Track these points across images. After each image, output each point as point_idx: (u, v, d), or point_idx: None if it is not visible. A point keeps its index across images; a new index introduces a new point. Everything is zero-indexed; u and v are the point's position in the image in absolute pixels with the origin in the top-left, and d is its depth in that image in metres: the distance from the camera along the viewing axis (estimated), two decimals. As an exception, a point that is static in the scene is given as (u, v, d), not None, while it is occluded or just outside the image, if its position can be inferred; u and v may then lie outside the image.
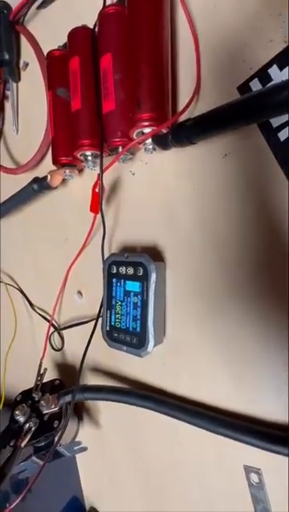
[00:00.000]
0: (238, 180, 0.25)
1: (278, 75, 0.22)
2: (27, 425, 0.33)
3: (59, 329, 0.43)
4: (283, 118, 0.22)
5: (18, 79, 0.47)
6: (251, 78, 0.23)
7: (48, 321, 0.43)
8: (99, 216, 0.32)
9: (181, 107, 0.27)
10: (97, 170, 0.31)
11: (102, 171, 0.30)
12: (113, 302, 0.31)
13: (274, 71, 0.22)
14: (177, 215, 0.29)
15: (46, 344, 0.42)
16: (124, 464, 0.36)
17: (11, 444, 0.32)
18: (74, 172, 0.37)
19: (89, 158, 0.32)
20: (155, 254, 0.30)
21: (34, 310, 0.46)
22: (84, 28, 0.31)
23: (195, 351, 0.28)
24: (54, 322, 0.43)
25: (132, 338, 0.29)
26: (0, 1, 0.44)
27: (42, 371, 0.39)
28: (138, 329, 0.28)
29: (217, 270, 0.26)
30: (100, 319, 0.33)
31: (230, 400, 0.26)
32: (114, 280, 0.31)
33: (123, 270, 0.30)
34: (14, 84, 0.47)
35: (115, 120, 0.28)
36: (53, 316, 0.42)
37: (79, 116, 0.31)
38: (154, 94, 0.25)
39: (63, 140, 0.34)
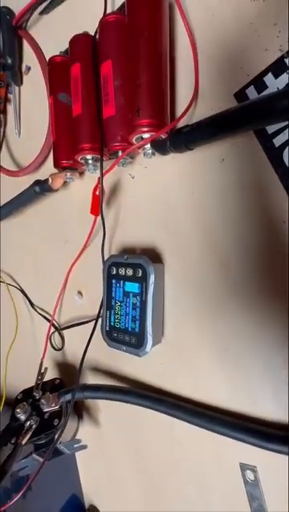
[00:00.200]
0: (235, 184, 0.25)
1: (273, 83, 0.23)
2: (28, 423, 0.33)
3: (59, 329, 0.43)
4: (278, 124, 0.23)
5: (20, 82, 0.48)
6: (247, 85, 0.24)
7: (49, 321, 0.44)
8: (99, 218, 0.32)
9: (179, 113, 0.28)
10: (97, 173, 0.32)
11: (102, 174, 0.31)
12: (113, 303, 0.31)
13: (269, 78, 0.23)
14: (176, 218, 0.29)
15: (46, 344, 0.42)
16: (124, 462, 0.37)
17: (12, 441, 0.32)
18: (75, 175, 0.38)
19: (90, 162, 0.33)
20: (154, 256, 0.31)
21: (35, 311, 0.47)
22: (85, 35, 0.32)
23: (193, 351, 0.29)
24: (54, 322, 0.44)
25: (131, 338, 0.30)
26: (3, 6, 0.44)
27: (42, 371, 0.39)
28: (137, 329, 0.29)
29: (215, 272, 0.27)
30: (100, 319, 0.33)
31: (229, 400, 0.26)
32: (113, 281, 0.31)
33: (122, 271, 0.30)
34: (17, 88, 0.48)
35: (115, 125, 0.29)
36: (53, 316, 0.43)
37: (80, 121, 0.31)
38: (153, 100, 0.26)
39: (64, 143, 0.35)
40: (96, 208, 0.32)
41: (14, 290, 0.51)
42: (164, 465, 0.32)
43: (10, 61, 0.45)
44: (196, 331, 0.28)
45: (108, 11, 0.31)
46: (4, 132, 0.51)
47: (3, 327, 0.54)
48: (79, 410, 0.41)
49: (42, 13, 0.42)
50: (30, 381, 0.39)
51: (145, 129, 0.26)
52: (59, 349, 0.44)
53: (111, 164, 0.30)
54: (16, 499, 0.31)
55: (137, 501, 0.36)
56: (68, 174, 0.37)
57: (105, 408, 0.38)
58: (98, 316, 0.33)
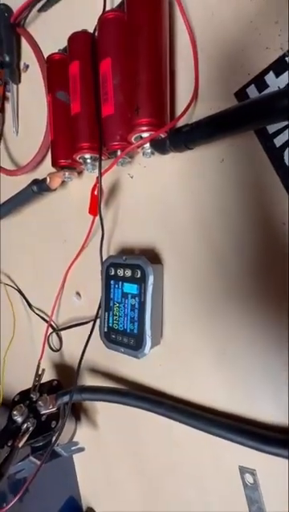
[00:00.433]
0: (235, 184, 0.25)
1: (274, 82, 0.23)
2: (25, 425, 0.33)
3: (57, 330, 0.43)
4: (279, 124, 0.22)
5: (18, 80, 0.47)
6: (248, 84, 0.24)
7: (46, 322, 0.44)
8: (97, 218, 0.32)
9: (178, 112, 0.28)
10: (96, 173, 0.31)
11: (101, 174, 0.30)
12: (111, 304, 0.31)
13: (270, 77, 0.23)
14: (175, 218, 0.29)
15: (44, 345, 0.42)
16: (122, 464, 0.37)
17: (9, 444, 0.32)
18: (73, 175, 0.37)
19: (88, 161, 0.32)
20: (153, 257, 0.30)
21: (33, 311, 0.47)
22: (84, 33, 0.31)
23: (193, 353, 0.28)
24: (52, 322, 0.43)
25: (129, 339, 0.29)
26: (1, 4, 0.44)
27: (40, 372, 0.39)
28: (135, 331, 0.29)
29: (215, 273, 0.27)
30: (98, 321, 0.33)
31: (229, 402, 0.26)
32: (112, 282, 0.31)
33: (121, 272, 0.30)
34: (15, 86, 0.47)
35: (114, 124, 0.29)
36: (51, 317, 0.43)
37: (79, 120, 0.31)
38: (153, 99, 0.25)
39: (62, 142, 0.35)
40: (95, 208, 0.32)
41: (11, 291, 0.51)
42: (162, 467, 0.32)
43: (8, 59, 0.45)
44: (195, 332, 0.28)
45: (108, 8, 0.30)
46: (2, 131, 0.50)
47: (1, 328, 0.54)
48: (77, 412, 0.40)
49: (40, 10, 0.42)
50: (28, 382, 0.38)
51: (145, 128, 0.26)
52: (57, 350, 0.43)
53: (110, 163, 0.30)
54: (13, 503, 0.31)
55: (135, 504, 0.36)
56: (66, 173, 0.36)
57: (103, 410, 0.38)
58: (96, 317, 0.33)
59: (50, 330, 0.43)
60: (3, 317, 0.53)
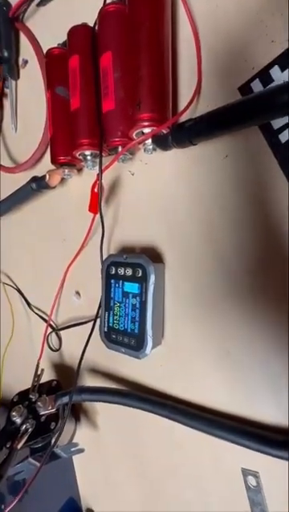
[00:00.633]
0: (238, 182, 0.25)
1: (279, 76, 0.22)
2: (24, 427, 0.32)
3: (56, 329, 0.42)
4: (284, 120, 0.22)
5: (17, 76, 0.46)
6: (252, 78, 0.23)
7: (46, 321, 0.43)
8: (97, 216, 0.31)
9: (181, 107, 0.27)
10: (96, 170, 0.31)
11: (101, 171, 0.30)
12: (111, 304, 0.31)
13: (275, 71, 0.22)
14: (177, 216, 0.29)
15: (43, 345, 0.41)
16: (122, 466, 0.36)
17: (7, 445, 0.31)
18: (73, 172, 0.37)
19: (88, 158, 0.32)
20: (154, 256, 0.30)
21: (32, 310, 0.46)
22: (84, 26, 0.31)
23: (194, 353, 0.28)
24: (51, 322, 0.43)
25: (130, 339, 0.29)
26: (-1, -2, 0.43)
27: (39, 372, 0.38)
28: (136, 331, 0.28)
29: (216, 272, 0.26)
30: (98, 320, 0.32)
31: (230, 403, 0.26)
32: (112, 281, 0.30)
33: (121, 271, 0.29)
34: (13, 82, 0.46)
35: (114, 120, 0.28)
36: (51, 316, 0.42)
37: (79, 115, 0.30)
38: (154, 94, 0.25)
39: (61, 139, 0.34)
40: (95, 205, 0.31)
41: (10, 290, 0.50)
42: (163, 469, 0.32)
43: (6, 54, 0.44)
44: (196, 333, 0.28)
45: (108, 1, 0.30)
46: (0, 128, 0.49)
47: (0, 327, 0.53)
48: (77, 413, 0.40)
49: (39, 4, 0.41)
50: (27, 383, 0.38)
51: (146, 124, 0.25)
52: (57, 350, 0.43)
53: (111, 160, 0.29)
54: (13, 505, 0.30)
55: (135, 506, 0.35)
56: (66, 171, 0.36)
57: (103, 411, 0.37)
58: (96, 317, 0.33)
59: (50, 329, 0.43)
60: (2, 316, 0.52)
